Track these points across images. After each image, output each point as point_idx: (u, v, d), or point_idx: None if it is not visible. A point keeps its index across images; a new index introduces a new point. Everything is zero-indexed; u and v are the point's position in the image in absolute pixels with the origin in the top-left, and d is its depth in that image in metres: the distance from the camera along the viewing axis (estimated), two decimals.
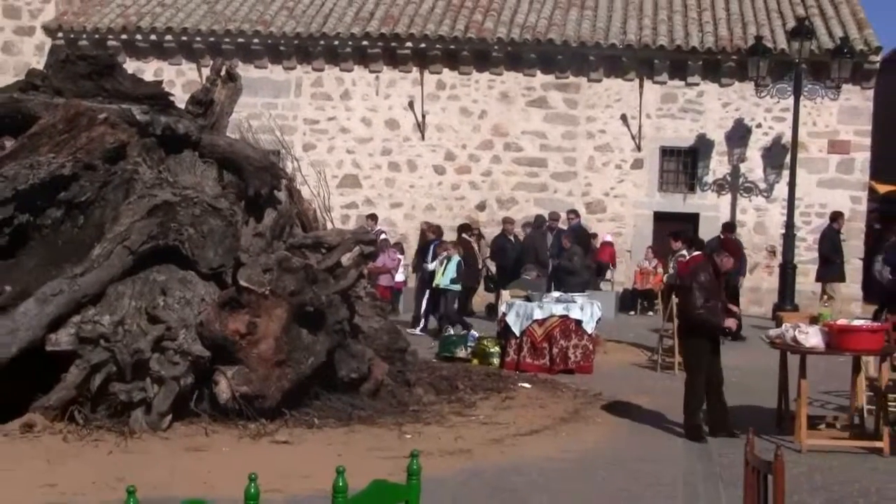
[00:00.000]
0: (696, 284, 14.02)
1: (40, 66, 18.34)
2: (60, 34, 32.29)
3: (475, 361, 19.83)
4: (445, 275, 23.70)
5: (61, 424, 13.03)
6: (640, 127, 30.84)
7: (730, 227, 26.30)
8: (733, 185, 30.79)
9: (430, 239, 25.30)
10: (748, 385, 14.60)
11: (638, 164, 31.15)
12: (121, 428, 12.96)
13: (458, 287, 23.90)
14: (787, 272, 27.20)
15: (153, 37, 32.32)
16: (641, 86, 30.73)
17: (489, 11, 32.18)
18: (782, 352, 14.62)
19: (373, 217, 29.46)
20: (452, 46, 31.28)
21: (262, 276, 13.90)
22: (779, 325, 15.21)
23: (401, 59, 31.64)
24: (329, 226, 18.94)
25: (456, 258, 24.21)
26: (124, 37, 32.21)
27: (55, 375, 13.31)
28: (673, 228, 27.57)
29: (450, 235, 28.54)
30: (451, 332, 21.22)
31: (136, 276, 13.76)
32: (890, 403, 14.09)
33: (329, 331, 14.44)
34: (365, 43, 31.56)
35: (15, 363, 12.98)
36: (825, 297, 24.37)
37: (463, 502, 10.69)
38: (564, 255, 26.45)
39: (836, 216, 26.72)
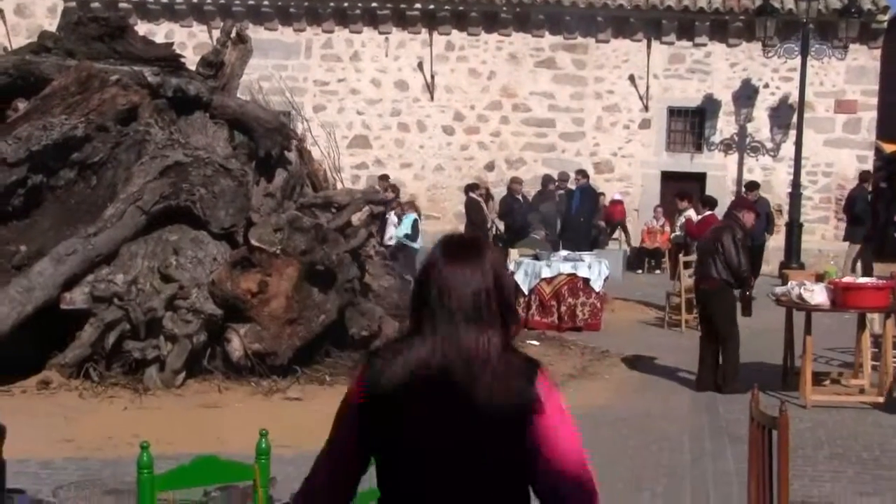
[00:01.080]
0: (737, 243, 14.04)
1: (52, 29, 18.30)
2: None
3: None
4: (400, 230, 24.28)
5: (77, 381, 13.15)
6: (647, 87, 30.80)
7: (753, 185, 26.34)
8: (740, 144, 30.77)
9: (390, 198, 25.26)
10: (754, 342, 14.60)
11: (646, 125, 31.13)
12: (135, 385, 13.07)
13: (415, 244, 24.15)
14: (794, 231, 27.21)
15: None
16: (649, 46, 30.66)
17: None
18: (788, 309, 14.68)
19: (385, 177, 29.51)
20: (461, 8, 31.22)
21: (273, 235, 13.95)
22: (785, 282, 15.24)
23: (410, 20, 31.58)
24: (339, 186, 18.98)
25: (412, 216, 24.57)
26: None
27: (70, 334, 13.40)
28: (680, 188, 27.69)
29: (459, 194, 28.64)
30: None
31: (148, 236, 13.84)
32: (894, 360, 14.11)
33: (340, 289, 14.50)
34: (374, 4, 31.46)
35: (31, 322, 13.06)
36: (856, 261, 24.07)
37: None
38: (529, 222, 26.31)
39: (867, 176, 26.75)
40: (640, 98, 30.96)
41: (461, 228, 28.05)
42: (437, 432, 3.63)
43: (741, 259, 14.08)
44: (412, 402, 3.67)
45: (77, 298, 13.28)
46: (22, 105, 15.13)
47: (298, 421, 11.66)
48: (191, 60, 17.98)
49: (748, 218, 14.62)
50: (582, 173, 28.72)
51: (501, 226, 28.39)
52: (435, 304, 3.73)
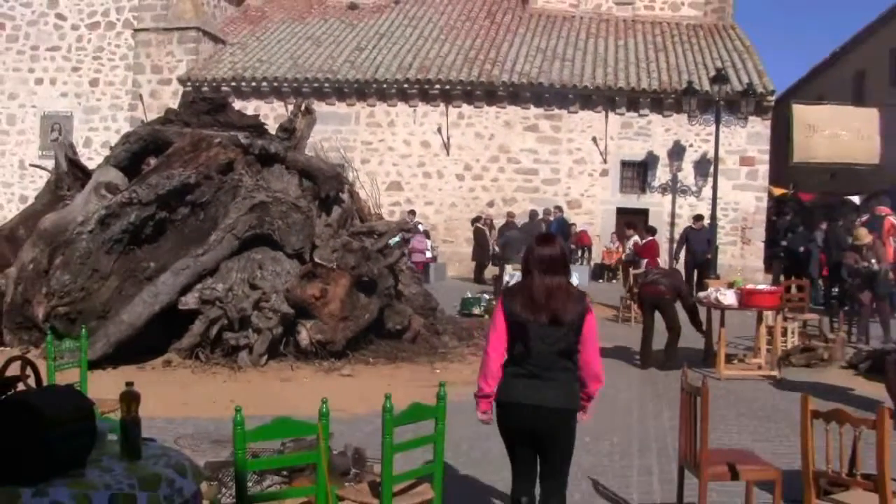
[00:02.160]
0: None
1: (175, 106, 18.40)
2: (189, 83, 32.37)
3: (487, 317, 19.87)
4: None
5: (190, 361, 13.26)
6: (605, 146, 30.85)
7: (699, 217, 26.32)
8: (673, 188, 30.75)
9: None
10: (683, 333, 14.65)
11: (605, 173, 31.16)
12: (231, 364, 13.14)
13: None
14: (713, 251, 27.20)
15: (253, 83, 32.48)
16: (606, 116, 30.78)
17: (496, 62, 32.22)
18: (707, 308, 14.82)
19: (412, 212, 29.66)
20: (469, 88, 31.36)
21: (331, 255, 14.04)
22: (705, 289, 15.30)
23: (431, 97, 31.70)
24: (379, 219, 19.00)
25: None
26: (233, 84, 32.36)
27: (185, 327, 13.47)
28: (627, 220, 27.82)
29: (468, 224, 28.71)
30: None
31: (240, 256, 13.93)
32: (780, 344, 14.28)
33: (380, 294, 14.57)
34: (405, 86, 31.63)
35: (158, 318, 13.15)
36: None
37: (478, 420, 10.75)
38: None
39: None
40: (601, 153, 30.99)
41: (470, 250, 28.22)
42: (541, 326, 5.73)
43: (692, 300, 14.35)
44: (528, 313, 5.74)
45: (190, 301, 13.36)
46: (153, 161, 15.26)
47: (350, 392, 11.73)
48: (271, 127, 18.05)
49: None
50: (558, 208, 28.83)
51: (498, 248, 28.45)
52: (534, 265, 5.83)
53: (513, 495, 6.05)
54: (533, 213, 28.50)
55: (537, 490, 6.04)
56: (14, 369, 4.93)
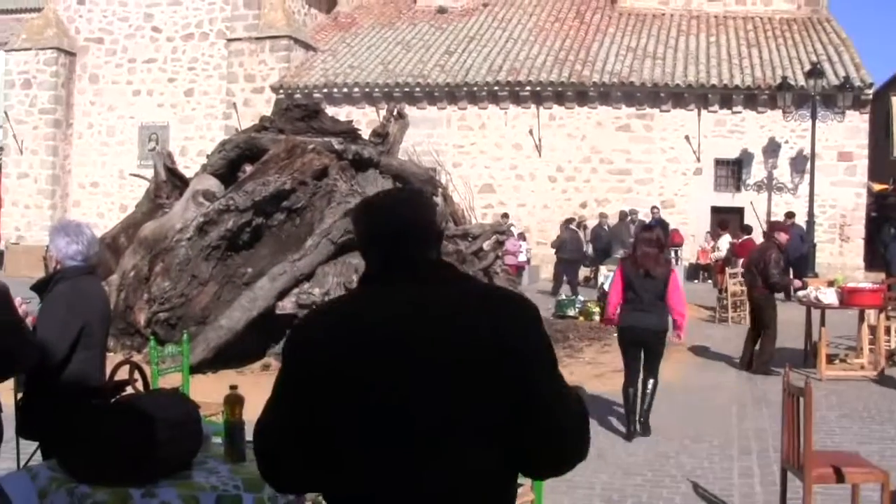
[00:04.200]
0: (772, 261, 13.87)
1: (268, 114, 18.63)
2: (282, 91, 32.83)
3: (581, 318, 19.80)
4: None
5: None
6: (699, 144, 30.48)
7: (790, 214, 26.02)
8: (768, 185, 30.28)
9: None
10: (782, 333, 14.39)
11: (698, 172, 30.79)
12: None
13: None
14: (810, 249, 26.73)
15: (344, 89, 32.76)
16: (699, 114, 30.43)
17: (586, 62, 32.04)
18: (807, 308, 14.56)
19: (506, 215, 29.65)
20: (560, 89, 31.24)
21: None
22: (804, 288, 15.03)
23: (522, 99, 31.65)
24: (473, 221, 19.04)
25: None
26: (325, 90, 32.67)
27: (282, 330, 13.61)
28: (721, 219, 27.53)
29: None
30: None
31: (336, 260, 14.00)
32: (884, 343, 13.97)
33: None
34: (496, 88, 31.62)
35: (256, 322, 13.32)
36: None
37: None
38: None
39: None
40: (694, 152, 30.63)
41: (590, 250, 28.04)
42: (642, 279, 9.59)
43: (774, 272, 13.88)
44: (634, 271, 9.80)
45: (287, 305, 13.50)
46: (248, 168, 15.48)
47: None
48: (364, 132, 18.18)
49: (782, 238, 14.39)
50: (656, 208, 28.57)
51: (591, 249, 28.38)
52: (639, 243, 9.95)
53: (624, 386, 10.12)
54: (622, 215, 28.38)
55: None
56: (122, 374, 5.05)
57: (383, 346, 2.54)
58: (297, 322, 3.01)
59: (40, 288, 5.29)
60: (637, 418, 10.03)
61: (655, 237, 10.16)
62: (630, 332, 9.92)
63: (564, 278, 25.02)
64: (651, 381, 10.01)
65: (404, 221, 2.70)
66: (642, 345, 9.93)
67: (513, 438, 2.56)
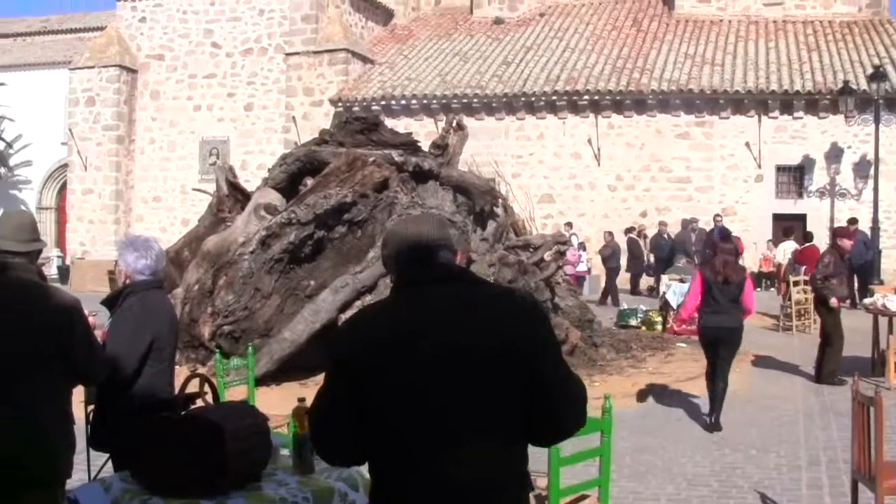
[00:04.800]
0: (821, 266, 13.75)
1: (328, 127, 18.75)
2: (340, 104, 33.05)
3: (644, 328, 19.70)
4: None
5: None
6: (759, 151, 30.20)
7: (853, 221, 25.73)
8: (831, 191, 29.91)
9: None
10: (849, 341, 14.17)
11: (759, 179, 30.49)
12: None
13: None
14: (875, 256, 26.34)
15: (402, 101, 32.90)
16: (759, 120, 30.17)
17: (644, 70, 31.89)
18: (874, 315, 14.31)
19: (569, 224, 29.57)
20: (618, 97, 31.12)
21: (488, 269, 14.06)
22: (871, 295, 14.82)
23: (580, 108, 31.56)
24: (533, 232, 19.02)
25: None
26: (383, 103, 32.84)
27: None
28: (785, 226, 27.21)
29: (620, 235, 28.51)
30: None
31: None
32: None
33: None
34: (554, 98, 31.57)
35: (318, 334, 13.37)
36: None
37: (639, 431, 10.67)
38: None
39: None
40: (755, 159, 30.35)
41: (623, 261, 27.94)
42: (720, 284, 10.89)
43: (818, 276, 13.73)
44: (713, 276, 10.92)
45: None
46: (309, 181, 15.58)
47: None
48: (423, 144, 18.22)
49: (846, 244, 14.20)
50: (719, 216, 28.32)
51: (652, 258, 28.26)
52: (717, 250, 11.01)
53: (707, 374, 11.40)
54: (685, 223, 28.24)
55: None
56: (192, 387, 5.10)
57: (416, 338, 3.03)
58: (343, 323, 3.61)
59: (110, 302, 5.37)
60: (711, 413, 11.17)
61: (732, 245, 11.55)
62: (710, 331, 11.11)
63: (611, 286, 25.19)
64: (722, 382, 11.09)
65: (430, 236, 3.26)
66: (720, 342, 11.06)
67: (524, 412, 3.09)
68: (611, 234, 28.09)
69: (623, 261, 28.16)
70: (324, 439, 3.25)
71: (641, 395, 12.89)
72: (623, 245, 28.15)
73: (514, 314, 3.15)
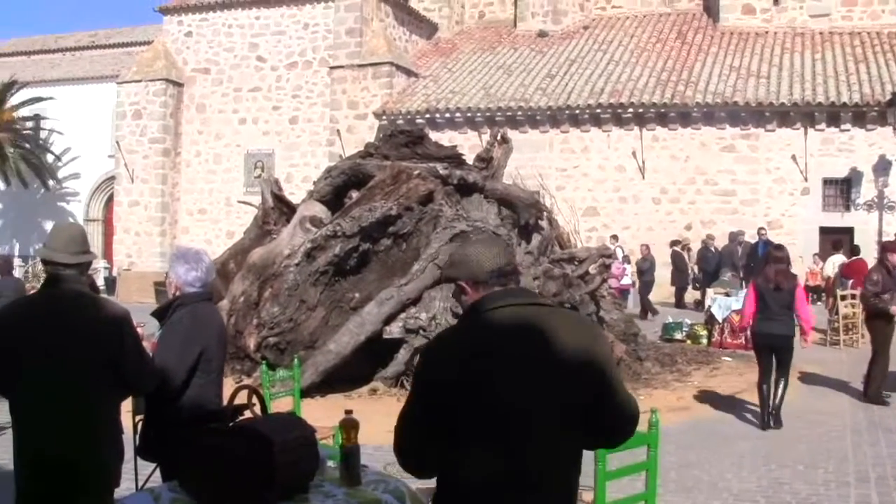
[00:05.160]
0: (870, 282, 13.59)
1: (372, 140, 18.81)
2: (384, 117, 33.17)
3: (689, 342, 19.58)
4: None
5: (395, 389, 13.41)
6: (806, 164, 29.96)
7: None
8: (879, 204, 29.60)
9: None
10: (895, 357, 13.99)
11: (805, 192, 30.23)
12: None
13: None
14: None
15: (447, 114, 32.95)
16: (806, 133, 29.92)
17: (689, 83, 31.75)
18: None
19: (614, 237, 29.46)
20: (662, 110, 30.99)
21: (533, 282, 14.05)
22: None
23: (625, 121, 31.48)
24: (578, 245, 18.97)
25: None
26: (427, 116, 32.91)
27: (390, 356, 13.71)
28: (835, 239, 26.93)
29: (665, 248, 28.40)
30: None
31: (443, 285, 14.00)
32: None
33: None
34: (598, 111, 31.51)
35: (363, 347, 13.42)
36: None
37: (685, 446, 10.61)
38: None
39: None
40: (801, 172, 30.10)
41: (668, 274, 27.83)
42: (772, 292, 11.55)
43: (868, 291, 13.57)
44: (766, 285, 11.64)
45: (394, 330, 13.59)
46: (355, 194, 15.65)
47: None
48: (467, 157, 18.24)
49: (893, 258, 14.02)
50: (763, 230, 28.12)
51: (697, 271, 28.12)
52: (770, 260, 11.85)
53: (759, 382, 11.93)
54: (731, 236, 28.10)
55: None
56: (239, 398, 5.13)
57: (500, 357, 3.29)
58: (431, 342, 3.63)
59: (160, 314, 5.42)
60: (770, 411, 11.75)
61: (784, 255, 12.00)
62: (763, 337, 11.78)
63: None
64: (783, 380, 11.79)
65: (505, 261, 3.56)
66: (773, 348, 11.72)
67: (587, 423, 3.40)
68: (647, 247, 28.01)
69: (667, 274, 28.05)
70: (411, 451, 3.47)
71: (687, 410, 12.81)
72: (661, 258, 28.03)
73: (587, 335, 3.47)
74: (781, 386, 11.78)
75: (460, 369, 3.30)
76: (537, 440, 3.31)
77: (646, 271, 26.95)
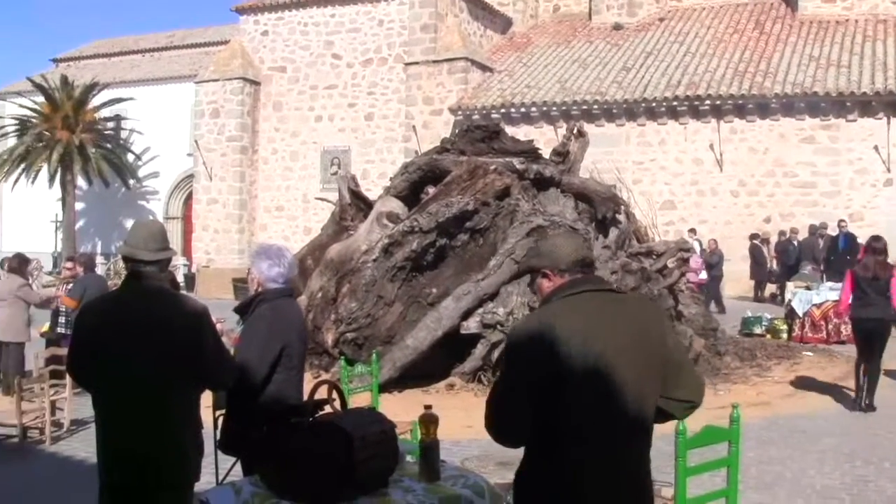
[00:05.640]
0: None
1: (447, 136, 18.85)
2: (460, 112, 33.16)
3: (769, 336, 19.35)
4: None
5: (472, 385, 13.44)
6: (888, 154, 29.39)
7: None
8: None
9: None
10: None
11: (888, 183, 29.60)
12: None
13: None
14: None
15: (522, 109, 32.85)
16: (888, 123, 29.30)
17: (767, 73, 31.31)
18: None
19: (693, 231, 29.13)
20: (740, 101, 30.56)
21: (611, 276, 13.96)
22: None
23: (702, 113, 31.12)
24: (655, 239, 18.83)
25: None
26: (503, 110, 32.82)
27: (467, 350, 13.73)
28: None
29: (744, 241, 28.08)
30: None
31: (520, 280, 13.97)
32: None
33: None
34: (675, 103, 31.18)
35: (440, 342, 13.46)
36: None
37: (766, 442, 10.49)
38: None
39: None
40: (883, 162, 29.51)
41: (747, 268, 27.50)
42: (869, 280, 12.16)
43: None
44: (864, 273, 12.30)
45: (471, 325, 13.61)
46: (431, 190, 15.69)
47: None
48: (543, 152, 18.17)
49: None
50: (843, 222, 27.66)
51: (775, 263, 27.78)
52: (868, 251, 12.59)
53: (857, 363, 12.66)
54: (812, 229, 27.68)
55: None
56: (320, 393, 5.18)
57: (590, 336, 3.63)
58: (521, 323, 3.99)
59: (242, 310, 5.48)
60: (863, 394, 12.38)
61: (883, 246, 12.52)
62: (860, 322, 12.45)
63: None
64: (874, 367, 12.36)
65: (585, 252, 3.99)
66: (868, 332, 12.36)
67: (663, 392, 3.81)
68: (715, 241, 27.69)
69: (745, 268, 27.72)
70: (504, 421, 3.76)
71: (767, 405, 12.66)
72: (739, 252, 27.71)
73: (657, 317, 3.96)
74: (871, 373, 12.33)
75: (551, 348, 3.59)
76: (627, 407, 3.65)
77: (715, 265, 26.64)
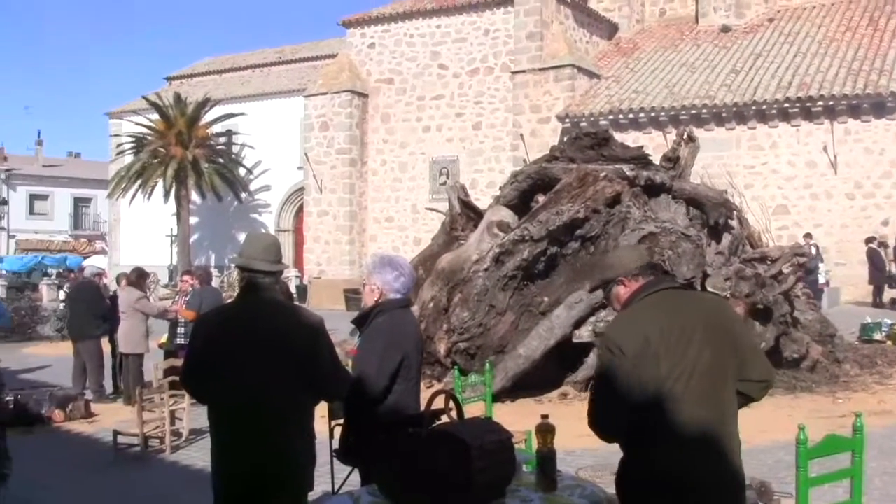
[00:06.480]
0: None
1: (555, 143, 18.82)
2: (567, 120, 33.08)
3: (890, 343, 18.88)
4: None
5: (585, 393, 13.32)
6: None
7: None
8: None
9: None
10: None
11: None
12: None
13: None
14: None
15: (630, 115, 32.67)
16: None
17: (882, 71, 30.57)
18: None
19: (808, 235, 28.58)
20: (854, 101, 29.88)
21: (724, 283, 13.80)
22: None
23: (814, 114, 30.51)
24: (769, 244, 18.55)
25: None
26: (611, 117, 32.67)
27: (579, 360, 13.68)
28: None
29: (861, 246, 27.49)
30: None
31: None
32: None
33: (775, 322, 14.14)
34: (786, 105, 30.63)
35: (553, 351, 13.45)
36: None
37: (889, 452, 10.25)
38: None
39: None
40: None
41: (865, 273, 26.89)
42: None
43: None
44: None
45: (584, 334, 13.57)
46: (541, 198, 15.71)
47: (748, 423, 11.38)
48: (653, 157, 18.02)
49: None
50: None
51: (894, 268, 27.14)
52: None
53: None
54: None
55: None
56: (436, 403, 5.23)
57: (680, 332, 3.96)
58: (612, 324, 4.31)
59: (360, 321, 5.54)
60: None
61: None
62: None
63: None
64: None
65: (649, 257, 4.48)
66: None
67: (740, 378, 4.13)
68: (816, 246, 27.08)
69: (863, 272, 27.10)
70: (602, 416, 4.12)
71: (889, 413, 12.36)
72: (857, 256, 27.09)
73: (728, 308, 4.46)
74: None
75: (640, 344, 3.92)
76: (713, 390, 3.96)
77: (811, 270, 26.09)
